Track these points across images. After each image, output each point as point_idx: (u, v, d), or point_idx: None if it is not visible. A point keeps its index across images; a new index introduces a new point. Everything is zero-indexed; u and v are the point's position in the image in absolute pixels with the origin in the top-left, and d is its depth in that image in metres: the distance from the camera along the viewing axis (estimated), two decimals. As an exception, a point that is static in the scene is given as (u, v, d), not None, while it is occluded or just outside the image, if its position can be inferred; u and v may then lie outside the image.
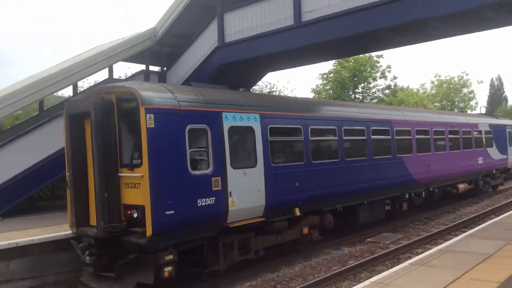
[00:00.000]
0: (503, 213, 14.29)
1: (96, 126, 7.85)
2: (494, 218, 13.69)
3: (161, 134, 7.70)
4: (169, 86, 9.33)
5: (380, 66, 34.91)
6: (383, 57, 34.61)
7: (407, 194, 14.72)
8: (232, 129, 8.86)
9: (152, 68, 18.27)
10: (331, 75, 33.32)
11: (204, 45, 15.56)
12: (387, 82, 36.19)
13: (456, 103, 47.97)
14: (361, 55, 30.95)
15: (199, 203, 8.10)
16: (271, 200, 9.43)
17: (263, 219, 9.37)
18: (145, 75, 17.15)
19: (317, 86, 34.68)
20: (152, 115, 7.61)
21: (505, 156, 22.57)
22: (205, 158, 8.38)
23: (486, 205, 18.36)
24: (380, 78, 35.36)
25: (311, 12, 12.64)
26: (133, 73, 18.68)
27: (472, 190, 19.37)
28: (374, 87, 35.85)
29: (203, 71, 15.36)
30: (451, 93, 47.13)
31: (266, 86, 29.59)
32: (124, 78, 20.98)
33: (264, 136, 9.49)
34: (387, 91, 35.76)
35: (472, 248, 8.12)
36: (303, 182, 10.31)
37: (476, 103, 51.34)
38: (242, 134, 9.25)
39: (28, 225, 10.93)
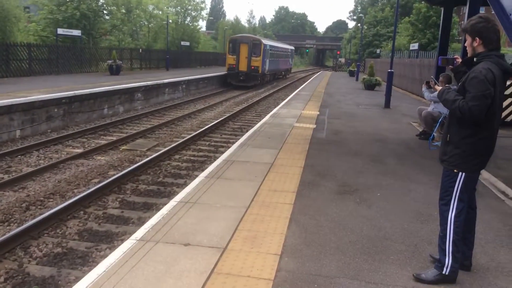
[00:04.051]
0: (239, 118, 17.64)
1: (250, 48, 33.05)
2: (232, 124, 15.94)
3: (264, 49, 33.90)
4: (263, 37, 36.68)
5: None
6: None
7: (280, 74, 44.75)
8: (267, 49, 35.50)
9: None
10: None
11: None
12: None
13: (189, 11, 48.40)
14: None
15: (265, 67, 34.95)
16: (269, 68, 36.84)
17: (268, 73, 36.90)
18: None
19: None
20: (263, 45, 33.67)
21: (292, 63, 55.39)
22: (266, 55, 34.84)
23: (222, 111, 19.82)
24: None
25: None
26: None
27: (283, 75, 49.98)
28: None
29: None
30: (186, 1, 47.71)
31: None
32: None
33: (269, 50, 36.45)
34: None
35: (253, 157, 8.09)
36: (271, 64, 37.82)
37: (207, 14, 55.86)
38: (267, 50, 35.80)
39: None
